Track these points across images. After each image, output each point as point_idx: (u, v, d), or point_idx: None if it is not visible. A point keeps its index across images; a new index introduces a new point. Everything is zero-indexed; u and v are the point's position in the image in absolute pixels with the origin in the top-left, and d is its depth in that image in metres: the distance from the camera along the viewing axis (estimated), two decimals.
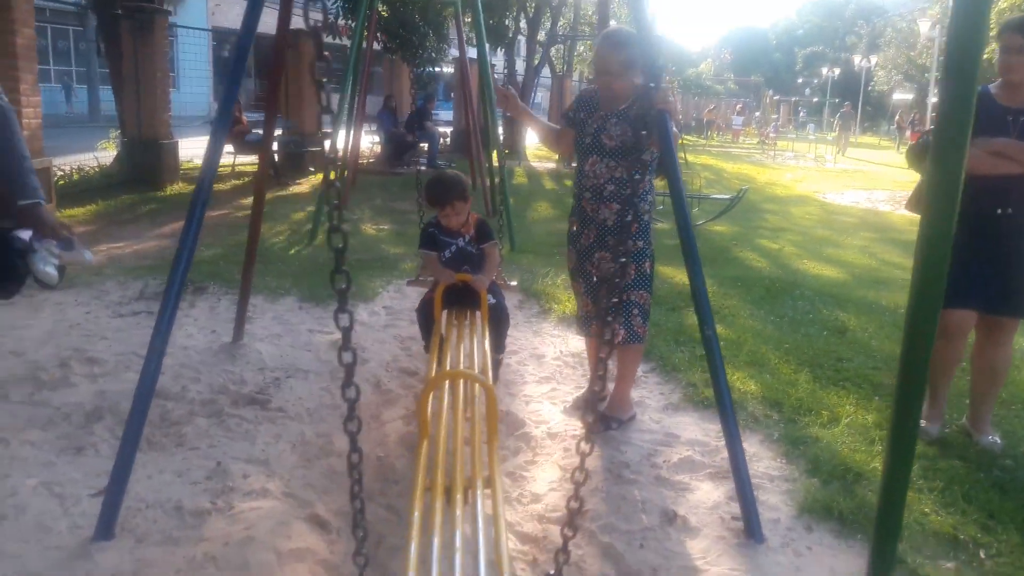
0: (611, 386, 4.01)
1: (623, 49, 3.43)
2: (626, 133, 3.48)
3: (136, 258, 6.74)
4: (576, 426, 3.76)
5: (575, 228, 3.73)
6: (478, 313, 3.70)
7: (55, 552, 2.61)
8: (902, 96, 41.35)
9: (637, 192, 3.53)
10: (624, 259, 1.96)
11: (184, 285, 2.93)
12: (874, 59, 40.37)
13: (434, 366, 3.21)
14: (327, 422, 3.70)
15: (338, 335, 4.86)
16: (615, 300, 1.98)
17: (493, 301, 3.81)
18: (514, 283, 4.64)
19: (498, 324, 3.85)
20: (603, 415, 3.74)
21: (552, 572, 1.93)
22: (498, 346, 3.92)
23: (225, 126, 2.95)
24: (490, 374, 3.15)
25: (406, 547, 1.94)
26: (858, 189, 16.20)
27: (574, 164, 3.94)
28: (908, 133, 30.69)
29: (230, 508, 2.92)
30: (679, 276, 6.44)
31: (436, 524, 2.06)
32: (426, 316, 3.84)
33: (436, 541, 1.99)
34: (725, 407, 2.85)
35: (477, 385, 2.88)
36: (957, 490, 3.17)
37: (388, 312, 5.55)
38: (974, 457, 3.50)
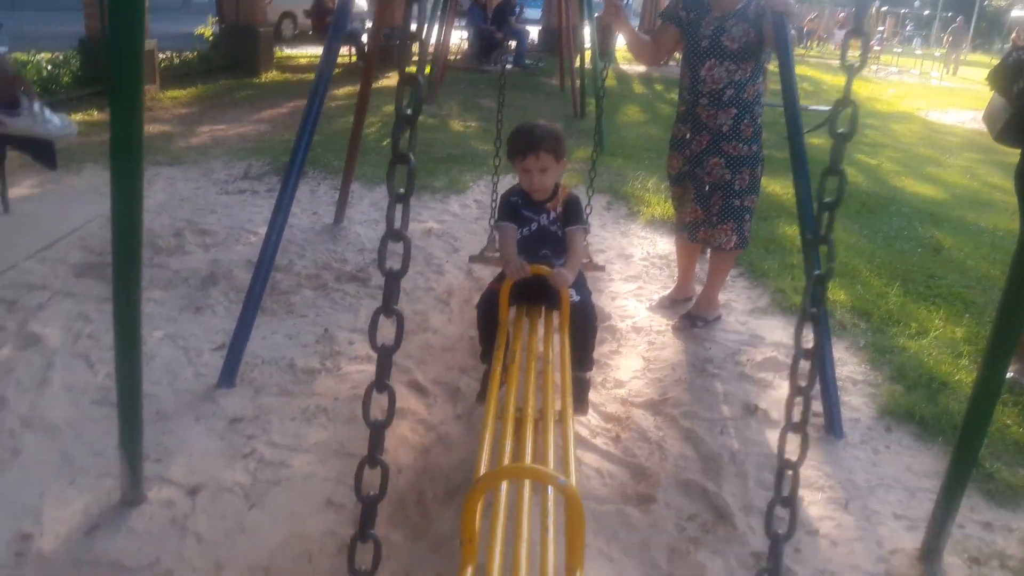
0: (698, 288, 4.07)
1: None
2: (748, 34, 3.37)
3: (239, 140, 7.00)
4: (660, 322, 3.85)
5: (686, 135, 3.62)
6: (556, 314, 2.81)
7: (184, 395, 2.90)
8: (1021, 12, 38.27)
9: (755, 95, 3.48)
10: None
11: (303, 166, 3.08)
12: None
13: (493, 401, 2.18)
14: (422, 302, 3.89)
15: (431, 223, 5.07)
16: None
17: (577, 299, 2.79)
18: (601, 263, 3.85)
19: (584, 330, 2.81)
20: (689, 314, 3.82)
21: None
22: (583, 360, 2.87)
23: (344, 22, 3.06)
24: (571, 410, 2.25)
25: None
26: (963, 109, 15.31)
27: (678, 57, 3.79)
28: None
29: (337, 369, 3.16)
30: (773, 186, 6.35)
31: None
32: (487, 314, 2.81)
33: None
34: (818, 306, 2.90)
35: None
36: None
37: (478, 205, 5.68)
38: None
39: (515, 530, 1.73)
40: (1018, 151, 3.45)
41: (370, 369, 3.16)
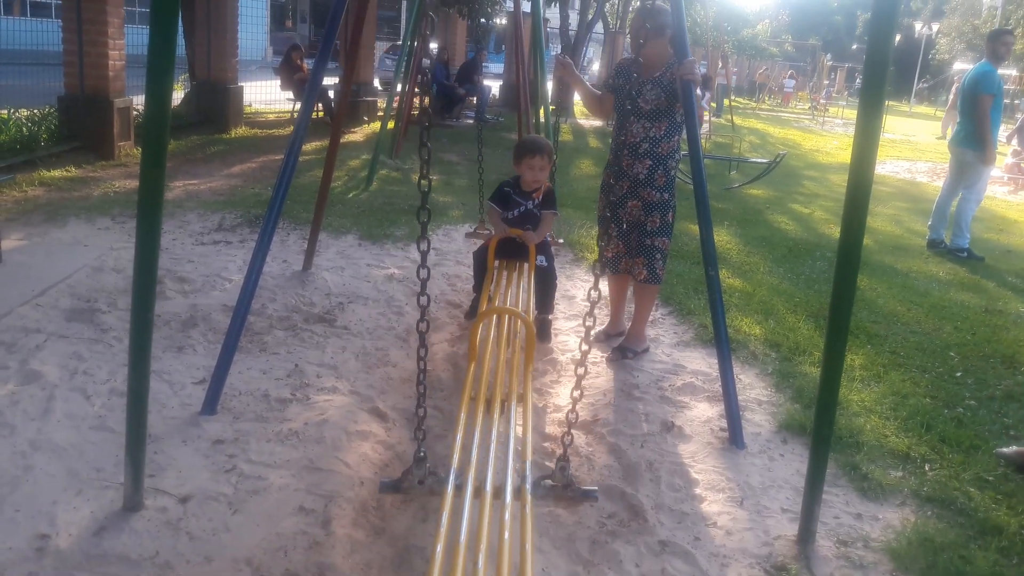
0: (628, 323, 4.57)
1: (654, 19, 3.90)
2: (660, 98, 3.96)
3: (211, 194, 7.43)
4: (595, 355, 4.33)
5: (611, 180, 4.19)
6: (527, 266, 4.12)
7: (172, 421, 3.29)
8: (963, 66, 40.33)
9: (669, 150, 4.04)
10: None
11: (279, 217, 3.54)
12: (936, 26, 39.37)
13: (484, 303, 3.66)
14: (384, 339, 4.33)
15: (392, 269, 5.53)
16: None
17: (545, 265, 4.16)
18: (561, 240, 5.07)
19: (545, 285, 4.19)
20: (620, 347, 4.30)
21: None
22: (545, 305, 4.28)
23: (316, 88, 3.57)
24: (531, 315, 3.59)
25: (452, 439, 2.49)
26: (901, 159, 16.28)
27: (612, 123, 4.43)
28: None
29: (307, 399, 3.57)
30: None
31: (477, 424, 2.57)
32: (480, 262, 4.26)
33: (476, 437, 2.50)
34: (720, 334, 3.42)
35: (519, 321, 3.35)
36: (920, 419, 3.69)
37: (437, 253, 6.15)
38: (943, 396, 4.01)
39: (497, 348, 3.17)
40: None
41: (336, 399, 3.59)
